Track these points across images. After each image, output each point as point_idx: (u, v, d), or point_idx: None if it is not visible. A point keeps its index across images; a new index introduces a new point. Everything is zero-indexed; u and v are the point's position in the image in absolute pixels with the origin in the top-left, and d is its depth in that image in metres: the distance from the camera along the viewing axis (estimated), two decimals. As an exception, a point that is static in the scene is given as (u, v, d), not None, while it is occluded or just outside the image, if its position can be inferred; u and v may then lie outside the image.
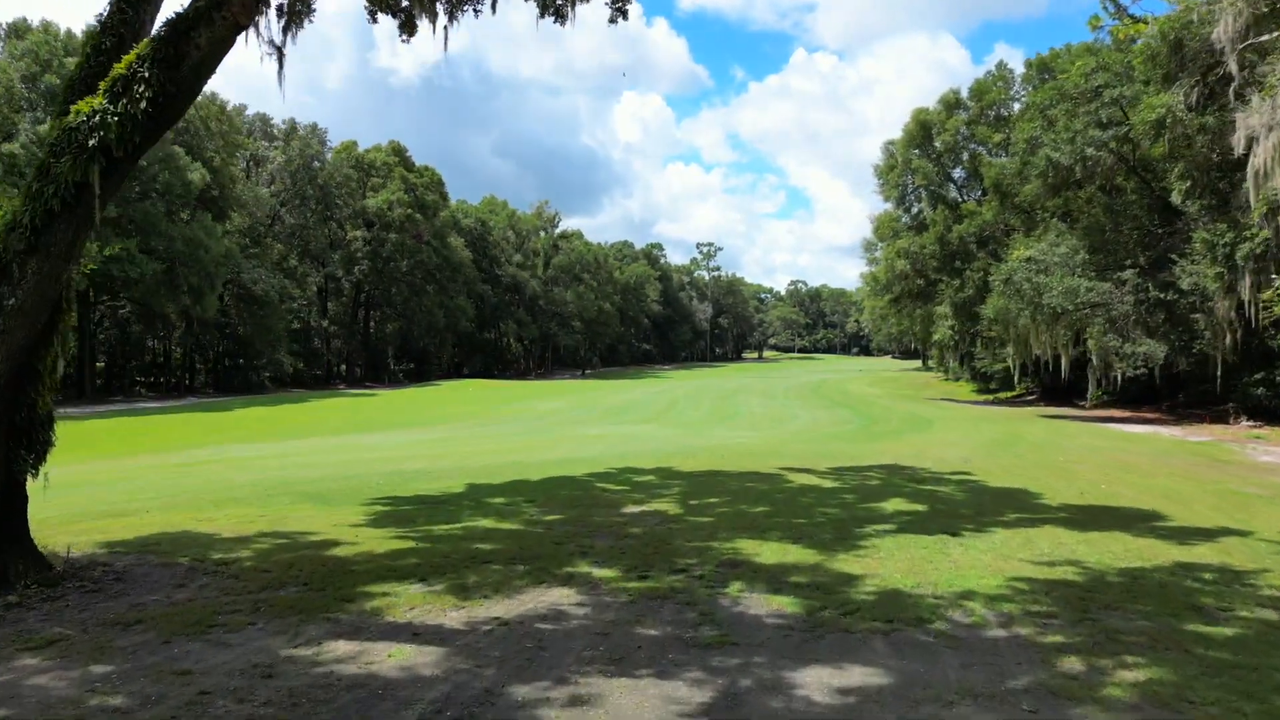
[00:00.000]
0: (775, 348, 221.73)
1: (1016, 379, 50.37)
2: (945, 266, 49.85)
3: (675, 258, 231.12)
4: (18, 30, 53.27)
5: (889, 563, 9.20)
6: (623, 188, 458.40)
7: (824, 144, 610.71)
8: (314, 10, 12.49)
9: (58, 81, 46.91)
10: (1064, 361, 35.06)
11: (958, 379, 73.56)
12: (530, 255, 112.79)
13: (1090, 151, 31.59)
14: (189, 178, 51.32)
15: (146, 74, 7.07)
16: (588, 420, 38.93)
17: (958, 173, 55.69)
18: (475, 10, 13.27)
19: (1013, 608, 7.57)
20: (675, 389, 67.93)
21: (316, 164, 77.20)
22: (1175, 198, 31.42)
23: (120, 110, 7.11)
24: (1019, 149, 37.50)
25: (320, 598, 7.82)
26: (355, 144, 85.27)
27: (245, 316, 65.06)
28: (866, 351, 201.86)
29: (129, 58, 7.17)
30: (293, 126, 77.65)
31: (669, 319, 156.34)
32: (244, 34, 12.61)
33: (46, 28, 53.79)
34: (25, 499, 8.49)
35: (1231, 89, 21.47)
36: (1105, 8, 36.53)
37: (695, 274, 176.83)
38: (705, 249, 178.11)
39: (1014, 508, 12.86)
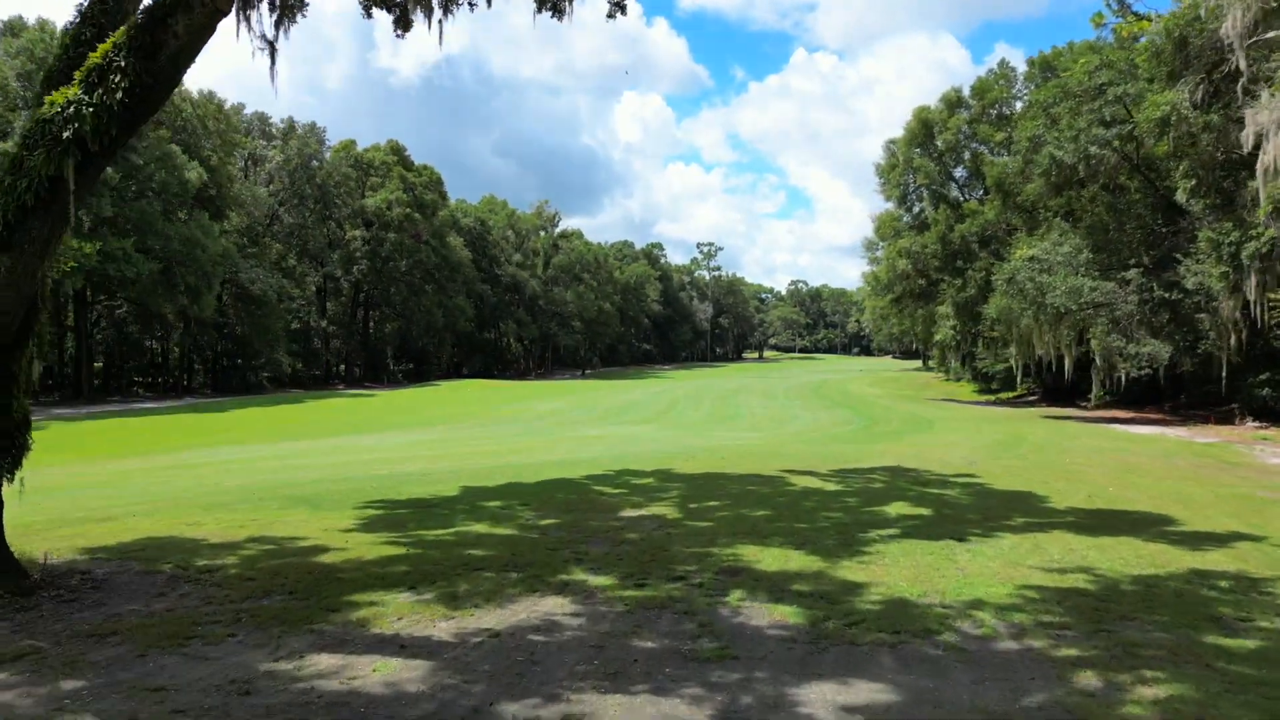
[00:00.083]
0: (776, 348, 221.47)
1: (1019, 379, 50.09)
2: (947, 266, 49.54)
3: (675, 258, 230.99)
4: (13, 28, 53.00)
5: (894, 570, 8.92)
6: (623, 188, 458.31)
7: (824, 144, 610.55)
8: (307, 5, 12.21)
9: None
10: (1067, 362, 34.76)
11: (959, 379, 73.29)
12: (530, 255, 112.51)
13: (1094, 150, 31.29)
14: (186, 177, 51.00)
15: (122, 63, 6.78)
16: (587, 421, 38.67)
17: (959, 172, 55.39)
18: (470, 4, 13.00)
19: (1024, 618, 7.28)
20: (675, 389, 67.66)
21: (315, 163, 76.92)
22: (1180, 196, 31.12)
23: (95, 101, 6.82)
24: (1021, 147, 37.20)
25: (305, 607, 7.54)
26: (354, 143, 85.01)
27: (243, 316, 64.78)
28: (867, 351, 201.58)
29: (104, 46, 6.88)
30: (291, 125, 77.37)
31: (669, 319, 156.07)
32: (236, 28, 12.36)
33: (43, 25, 53.48)
34: (0, 504, 8.20)
35: (1239, 85, 21.18)
36: (1109, 5, 36.28)
37: (695, 274, 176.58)
38: (705, 249, 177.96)
39: (1021, 512, 12.57)
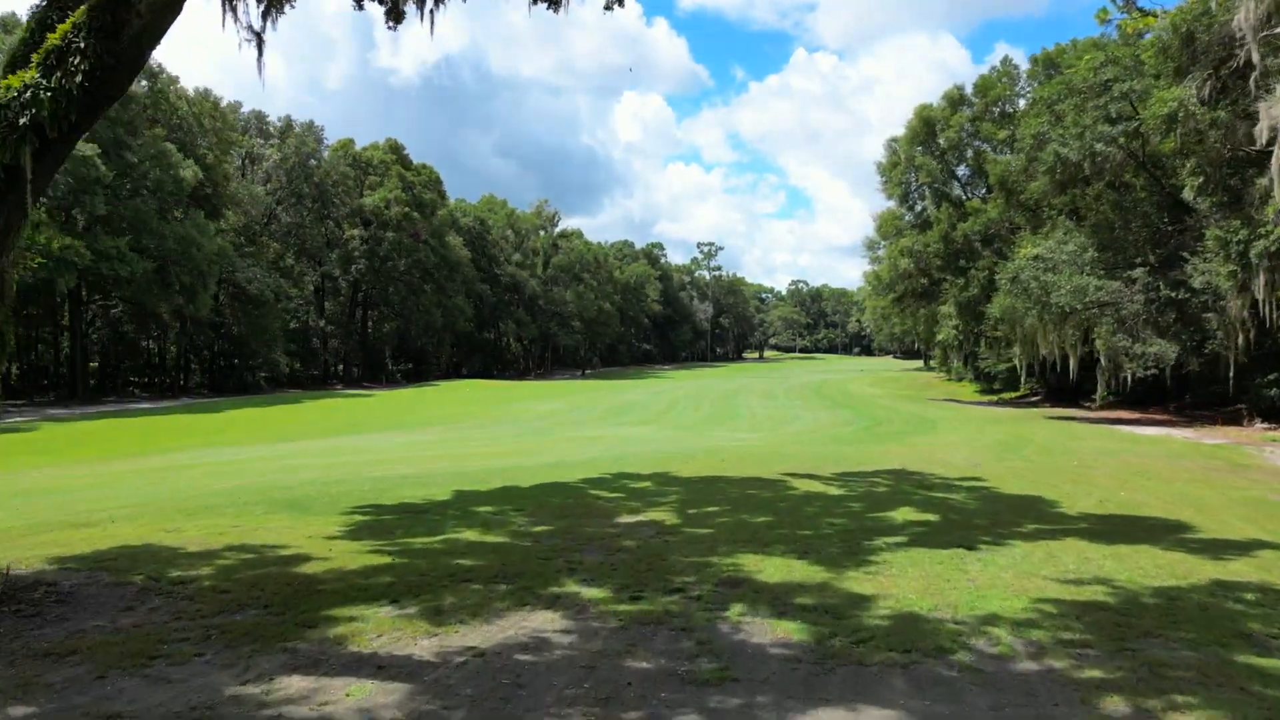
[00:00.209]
0: (776, 348, 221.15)
1: (1022, 379, 49.64)
2: (949, 265, 49.11)
3: (676, 257, 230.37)
4: (5, 25, 52.54)
5: (902, 581, 8.49)
6: (623, 187, 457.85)
7: (824, 144, 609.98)
8: (296, -7, 11.80)
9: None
10: (1072, 362, 34.33)
11: (960, 379, 72.88)
12: (529, 254, 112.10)
13: (1099, 147, 30.87)
14: (181, 175, 50.56)
15: (82, 44, 6.37)
16: (586, 422, 38.25)
17: (962, 170, 54.96)
18: (461, -7, 12.59)
19: (1042, 635, 6.86)
20: (675, 389, 67.26)
21: (313, 162, 76.46)
22: (1187, 194, 30.70)
23: (54, 85, 6.40)
24: (1025, 145, 36.79)
25: (279, 623, 7.11)
26: (352, 142, 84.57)
27: (240, 316, 64.32)
28: (868, 351, 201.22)
29: (63, 27, 6.46)
30: (288, 124, 76.91)
31: (669, 319, 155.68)
32: (222, 18, 11.93)
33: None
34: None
35: (1252, 78, 20.74)
36: (1114, 1, 35.85)
37: (696, 274, 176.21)
38: (706, 249, 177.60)
39: (1032, 518, 12.15)
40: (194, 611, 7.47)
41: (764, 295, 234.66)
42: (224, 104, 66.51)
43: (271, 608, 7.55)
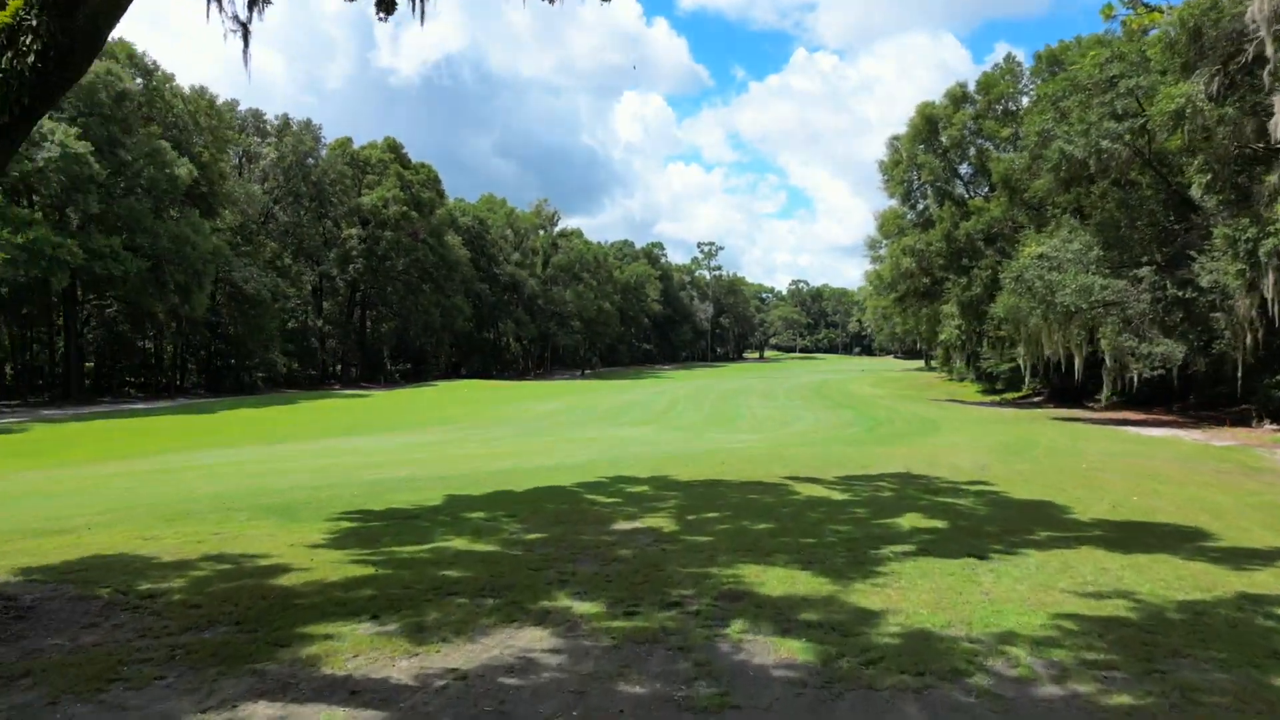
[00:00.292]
0: (777, 347, 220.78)
1: (1026, 379, 49.16)
2: (952, 264, 48.62)
3: (676, 257, 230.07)
4: None
5: (912, 594, 8.04)
6: (623, 187, 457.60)
7: (825, 144, 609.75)
8: (280, -18, 11.40)
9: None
10: (1077, 362, 33.87)
11: (962, 379, 72.45)
12: (529, 254, 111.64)
13: (1105, 144, 30.40)
14: (175, 173, 50.08)
15: (34, 22, 5.93)
16: (584, 423, 37.80)
17: (964, 168, 54.44)
18: (453, -20, 12.16)
19: (1064, 655, 6.41)
20: (675, 390, 66.82)
21: (310, 160, 75.97)
22: (1195, 191, 30.24)
23: (5, 66, 5.96)
24: (1029, 142, 36.32)
25: (250, 642, 6.67)
26: (350, 140, 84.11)
27: (236, 316, 63.84)
28: (868, 351, 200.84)
29: (14, 4, 6.02)
30: (285, 122, 76.38)
31: (670, 319, 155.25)
32: (206, 8, 11.49)
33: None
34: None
35: (1265, 72, 20.28)
36: (1119, -4, 35.37)
37: (696, 274, 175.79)
38: (706, 248, 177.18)
39: (1043, 524, 11.70)
40: (160, 628, 7.03)
41: (764, 295, 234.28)
42: (220, 102, 66.00)
43: (243, 624, 7.11)
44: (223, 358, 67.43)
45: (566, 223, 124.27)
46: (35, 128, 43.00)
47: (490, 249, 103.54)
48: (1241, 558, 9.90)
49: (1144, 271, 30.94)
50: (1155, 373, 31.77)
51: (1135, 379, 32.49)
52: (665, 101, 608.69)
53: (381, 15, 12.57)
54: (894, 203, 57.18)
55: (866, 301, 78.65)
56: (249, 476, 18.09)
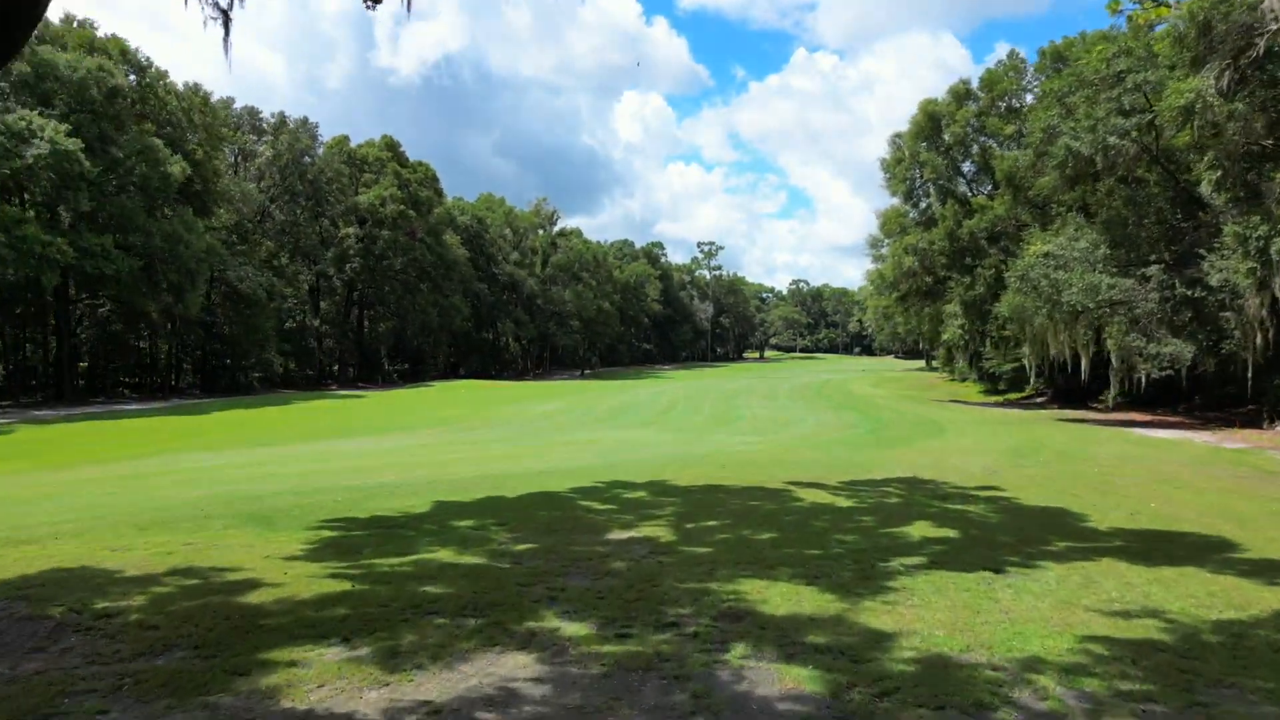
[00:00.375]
0: (777, 347, 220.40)
1: (1031, 380, 48.54)
2: (955, 263, 48.05)
3: (676, 257, 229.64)
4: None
5: (926, 613, 7.48)
6: (623, 187, 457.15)
7: (825, 143, 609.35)
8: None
9: (28, 70, 45.19)
10: (1084, 362, 33.30)
11: (964, 379, 71.89)
12: (528, 253, 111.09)
13: (1113, 140, 29.83)
14: (168, 170, 49.44)
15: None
16: (582, 424, 37.24)
17: (968, 166, 53.84)
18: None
19: (1096, 685, 5.85)
20: (675, 390, 66.27)
21: (307, 159, 75.34)
22: (1205, 188, 29.67)
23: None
24: (1034, 139, 35.74)
25: (206, 669, 6.10)
26: (347, 139, 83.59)
27: (232, 315, 63.25)
28: (869, 351, 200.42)
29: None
30: (282, 120, 75.75)
31: (670, 318, 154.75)
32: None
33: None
34: None
35: (1282, 64, 19.67)
36: (1127, -11, 34.82)
37: (696, 273, 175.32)
38: (706, 248, 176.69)
39: (1060, 534, 11.13)
40: (111, 654, 6.46)
41: (764, 295, 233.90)
42: (216, 100, 65.35)
43: (202, 649, 6.55)
44: (218, 358, 66.82)
45: (566, 222, 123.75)
46: (25, 123, 42.43)
47: (489, 248, 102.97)
48: (1273, 571, 9.34)
49: (1152, 270, 30.37)
50: (1164, 373, 31.19)
51: (1143, 379, 31.91)
52: (665, 101, 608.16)
53: (370, 5, 12.04)
54: (896, 201, 56.65)
55: (867, 301, 78.14)
56: (231, 481, 17.52)
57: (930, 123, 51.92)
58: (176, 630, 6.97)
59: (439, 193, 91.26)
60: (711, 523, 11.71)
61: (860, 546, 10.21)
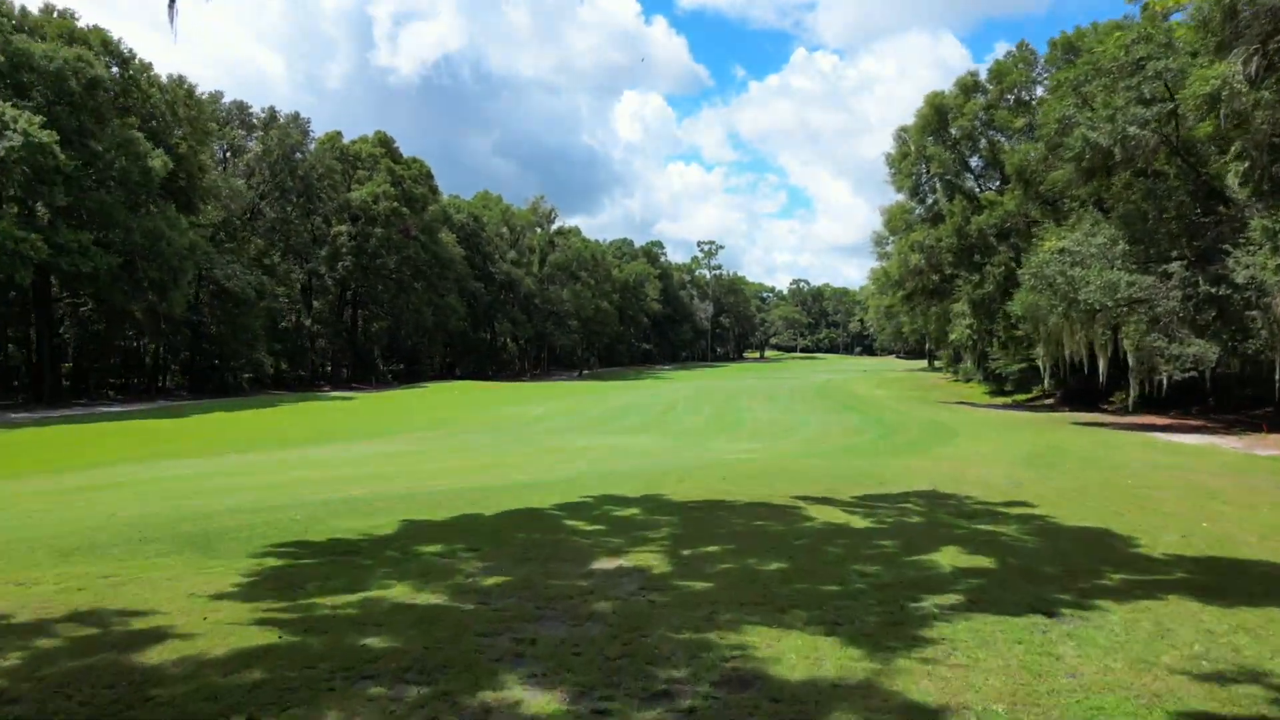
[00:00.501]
0: (777, 347, 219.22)
1: (1045, 380, 47.03)
2: (963, 261, 46.60)
3: (676, 257, 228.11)
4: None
5: (975, 676, 6.06)
6: (623, 187, 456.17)
7: (825, 143, 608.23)
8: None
9: (2, 60, 43.68)
10: (1101, 363, 31.89)
11: (968, 380, 70.54)
12: (525, 252, 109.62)
13: (1132, 130, 28.42)
14: (149, 165, 47.85)
15: None
16: (576, 428, 35.81)
17: (975, 161, 52.40)
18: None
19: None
20: (674, 391, 64.91)
21: (298, 155, 73.75)
22: (1230, 180, 28.25)
23: None
24: (1047, 131, 34.33)
25: (53, 771, 4.69)
26: (339, 135, 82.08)
27: (219, 314, 61.70)
28: (870, 351, 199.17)
29: None
30: (272, 115, 74.16)
31: (669, 318, 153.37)
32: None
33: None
34: None
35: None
36: (1144, -26, 33.39)
37: (696, 273, 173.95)
38: (706, 248, 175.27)
39: (1111, 562, 9.72)
40: (-58, 743, 5.05)
41: (765, 295, 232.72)
42: (203, 93, 63.76)
43: (62, 735, 5.13)
44: (206, 358, 65.25)
45: (565, 222, 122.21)
46: (-1, 115, 40.95)
47: (485, 247, 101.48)
48: (1374, 613, 7.91)
49: (1174, 267, 28.94)
50: (1186, 374, 29.76)
51: (1164, 382, 30.47)
52: (665, 101, 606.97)
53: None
54: (901, 197, 55.21)
55: (870, 300, 76.81)
56: (184, 496, 16.10)
57: (937, 116, 50.46)
58: (42, 706, 5.55)
59: (434, 190, 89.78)
60: (712, 548, 10.30)
61: (884, 580, 8.79)
